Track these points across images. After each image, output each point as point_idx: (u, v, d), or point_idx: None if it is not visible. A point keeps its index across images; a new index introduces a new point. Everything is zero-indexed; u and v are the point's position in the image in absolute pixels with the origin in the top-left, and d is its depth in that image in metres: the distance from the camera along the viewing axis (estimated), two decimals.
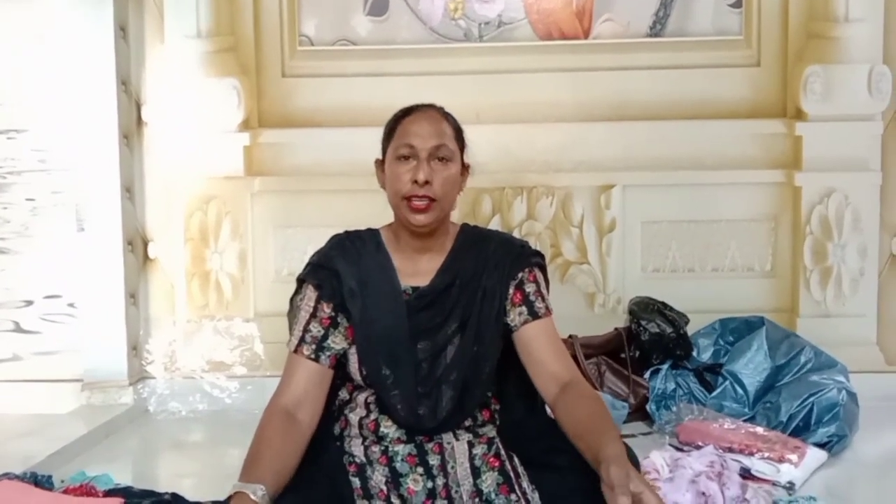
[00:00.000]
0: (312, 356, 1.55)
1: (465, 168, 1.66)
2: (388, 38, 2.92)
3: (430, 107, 1.65)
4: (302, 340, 1.56)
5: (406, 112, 1.63)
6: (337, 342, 1.57)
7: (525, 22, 2.90)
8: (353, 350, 1.57)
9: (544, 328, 1.59)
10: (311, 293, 1.60)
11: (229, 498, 1.34)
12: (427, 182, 1.54)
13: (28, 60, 2.90)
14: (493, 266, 1.60)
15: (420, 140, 1.57)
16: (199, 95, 2.92)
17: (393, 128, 1.62)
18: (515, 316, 1.59)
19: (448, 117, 1.64)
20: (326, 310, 1.58)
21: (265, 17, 2.93)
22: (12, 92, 2.91)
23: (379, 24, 2.92)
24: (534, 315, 1.58)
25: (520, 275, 1.61)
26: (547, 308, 1.60)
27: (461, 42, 2.91)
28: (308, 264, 1.64)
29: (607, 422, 1.45)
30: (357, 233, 1.68)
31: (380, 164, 1.66)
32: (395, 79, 2.86)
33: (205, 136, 2.93)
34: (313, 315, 1.58)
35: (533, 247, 1.71)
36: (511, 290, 1.60)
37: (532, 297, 1.60)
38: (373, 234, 1.67)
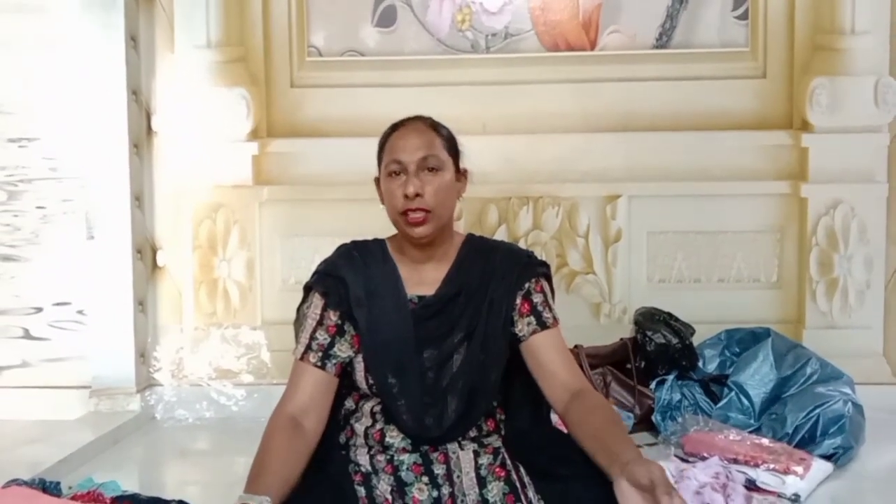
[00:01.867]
0: (319, 364, 1.56)
1: (461, 174, 1.65)
2: (395, 49, 2.94)
3: (418, 119, 1.64)
4: (308, 348, 1.57)
5: (394, 128, 1.64)
6: (343, 350, 1.58)
7: (532, 33, 2.92)
8: (359, 359, 1.58)
9: (553, 338, 1.59)
10: (317, 301, 1.60)
11: None
12: (418, 195, 1.55)
13: (39, 69, 2.93)
14: (500, 276, 1.61)
15: (406, 154, 1.57)
16: (209, 105, 2.95)
17: (383, 145, 1.63)
18: (524, 326, 1.59)
19: (436, 127, 1.63)
20: (333, 318, 1.59)
21: (274, 28, 2.95)
22: (24, 100, 2.94)
23: (387, 35, 2.94)
24: (542, 325, 1.59)
25: (527, 285, 1.61)
26: (554, 318, 1.61)
27: (468, 53, 2.93)
28: (315, 273, 1.65)
29: (623, 430, 1.46)
30: (363, 243, 1.68)
31: (378, 181, 1.66)
32: (403, 89, 2.88)
33: (214, 146, 2.96)
34: (320, 323, 1.59)
35: (539, 257, 1.72)
36: (518, 301, 1.60)
37: (540, 308, 1.60)
38: (379, 243, 1.68)
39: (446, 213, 1.60)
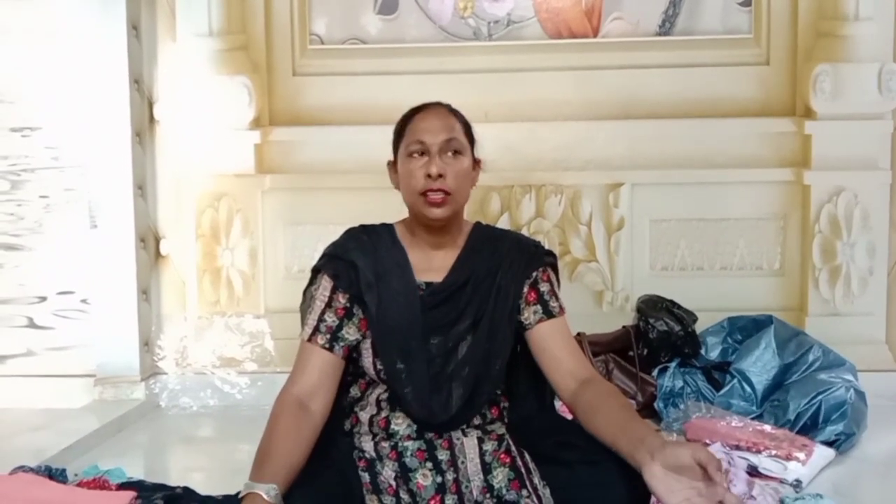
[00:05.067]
0: (326, 346, 1.56)
1: (476, 163, 1.67)
2: (397, 37, 2.93)
3: (438, 104, 1.67)
4: (316, 330, 1.57)
5: (415, 111, 1.65)
6: (350, 333, 1.58)
7: (534, 20, 2.91)
8: (366, 344, 1.59)
9: (559, 326, 1.61)
10: (326, 283, 1.60)
11: (242, 497, 1.34)
12: (440, 175, 1.56)
13: (41, 59, 2.92)
14: (508, 265, 1.62)
15: (430, 135, 1.58)
16: (211, 93, 2.94)
17: (403, 127, 1.64)
18: (530, 314, 1.60)
19: (456, 113, 1.66)
20: (342, 300, 1.59)
21: (276, 16, 2.94)
22: (26, 90, 2.94)
23: (389, 23, 2.94)
24: (549, 314, 1.60)
25: (534, 274, 1.62)
26: (560, 307, 1.62)
27: (470, 41, 2.92)
28: (324, 255, 1.65)
29: (640, 418, 1.48)
30: (372, 227, 1.69)
31: (392, 165, 1.67)
32: (405, 77, 2.87)
33: (216, 134, 2.95)
34: (328, 305, 1.59)
35: (544, 246, 1.73)
36: (525, 289, 1.61)
37: (546, 297, 1.62)
38: (387, 228, 1.68)
39: (462, 198, 1.62)
